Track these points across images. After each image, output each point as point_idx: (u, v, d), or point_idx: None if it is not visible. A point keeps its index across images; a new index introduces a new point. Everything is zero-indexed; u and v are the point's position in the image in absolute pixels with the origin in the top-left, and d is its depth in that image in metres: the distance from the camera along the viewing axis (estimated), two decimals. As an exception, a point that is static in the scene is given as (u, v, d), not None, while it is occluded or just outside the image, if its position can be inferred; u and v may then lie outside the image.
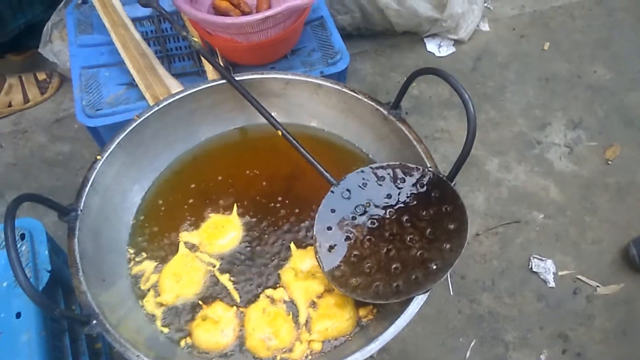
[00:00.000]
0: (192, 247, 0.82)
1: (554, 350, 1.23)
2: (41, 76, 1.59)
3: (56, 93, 1.63)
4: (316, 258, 0.73)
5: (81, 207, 0.74)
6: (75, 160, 1.49)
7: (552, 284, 1.32)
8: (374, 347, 0.63)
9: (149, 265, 0.80)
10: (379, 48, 1.83)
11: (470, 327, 1.26)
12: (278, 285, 0.78)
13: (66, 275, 1.02)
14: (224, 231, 0.82)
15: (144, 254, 0.81)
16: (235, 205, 0.85)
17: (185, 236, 0.83)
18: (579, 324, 1.27)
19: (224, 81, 0.89)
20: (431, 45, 1.83)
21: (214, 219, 0.84)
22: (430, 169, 0.77)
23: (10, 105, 1.55)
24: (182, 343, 0.73)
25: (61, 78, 1.64)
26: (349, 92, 0.88)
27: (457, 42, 1.85)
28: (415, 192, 0.76)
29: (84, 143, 1.52)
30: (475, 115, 0.67)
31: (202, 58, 1.17)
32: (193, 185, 0.89)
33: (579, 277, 1.33)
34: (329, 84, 0.89)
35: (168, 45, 1.24)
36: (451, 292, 1.30)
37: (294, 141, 0.82)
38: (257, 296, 0.77)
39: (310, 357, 0.73)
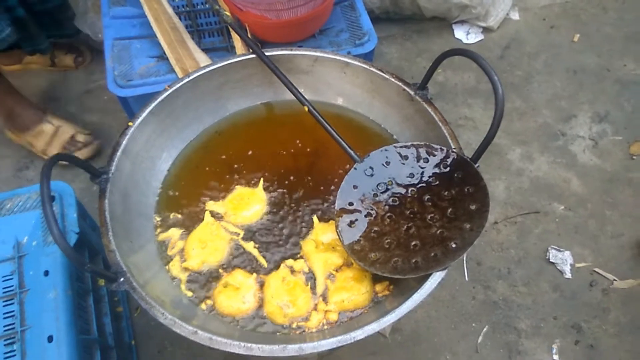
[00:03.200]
0: (217, 216, 0.84)
1: (567, 341, 1.23)
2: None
3: (88, 65, 1.67)
4: (337, 232, 0.75)
5: (112, 170, 0.77)
6: (104, 131, 1.52)
7: (568, 275, 1.31)
8: (390, 318, 0.65)
9: (175, 232, 0.83)
10: (406, 33, 1.82)
11: (483, 313, 1.27)
12: (298, 255, 0.80)
13: (92, 239, 1.05)
14: (250, 203, 0.84)
15: (171, 221, 0.84)
16: (261, 179, 0.87)
17: (211, 205, 0.85)
18: (594, 317, 1.26)
19: (253, 56, 0.91)
20: (459, 32, 1.81)
21: (239, 190, 0.86)
22: (454, 150, 0.78)
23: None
24: (203, 306, 0.76)
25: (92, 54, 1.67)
26: (377, 71, 0.88)
27: (485, 30, 1.83)
28: (438, 172, 0.77)
29: (113, 115, 1.55)
30: (504, 97, 0.67)
31: (232, 33, 1.18)
32: (219, 157, 0.91)
33: (596, 269, 1.33)
34: (357, 63, 0.89)
35: (199, 20, 1.26)
36: (466, 278, 1.31)
37: (319, 117, 0.83)
38: (277, 265, 0.79)
39: (326, 326, 0.75)
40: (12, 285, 0.88)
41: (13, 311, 0.86)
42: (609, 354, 1.22)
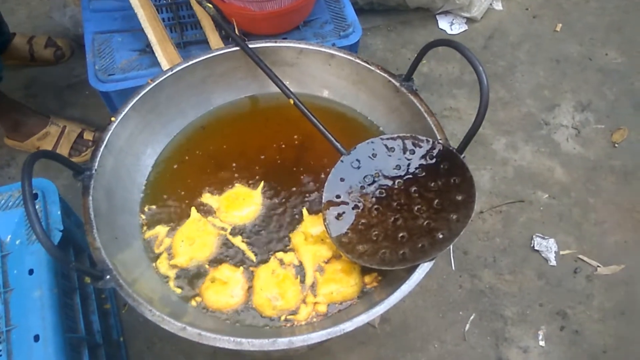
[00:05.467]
0: (207, 211, 0.83)
1: (552, 327, 1.25)
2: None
3: (68, 59, 1.63)
4: (324, 225, 0.75)
5: (95, 167, 0.76)
6: (86, 126, 1.50)
7: (553, 262, 1.33)
8: (379, 309, 0.65)
9: (161, 230, 0.82)
10: (391, 24, 1.81)
11: (470, 301, 1.28)
12: (288, 248, 0.80)
13: (77, 237, 1.04)
14: (244, 204, 0.83)
15: (156, 218, 0.83)
16: (262, 182, 0.86)
17: (207, 197, 0.84)
18: (578, 303, 1.29)
19: (237, 48, 0.90)
20: (443, 23, 1.82)
21: (238, 189, 0.85)
22: (440, 141, 0.78)
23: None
24: (194, 302, 0.75)
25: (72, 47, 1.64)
26: (362, 63, 0.88)
27: (469, 20, 1.83)
28: (424, 163, 0.77)
29: (95, 109, 1.53)
30: (489, 87, 0.67)
31: (205, 26, 1.16)
32: (205, 152, 0.90)
33: (580, 256, 1.35)
34: (342, 54, 0.89)
35: (181, 13, 1.24)
36: (453, 267, 1.32)
37: (305, 110, 0.83)
38: (267, 258, 0.79)
39: (315, 319, 0.75)
40: (-4, 285, 0.87)
41: (-3, 311, 0.85)
42: (594, 339, 1.24)
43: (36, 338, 0.82)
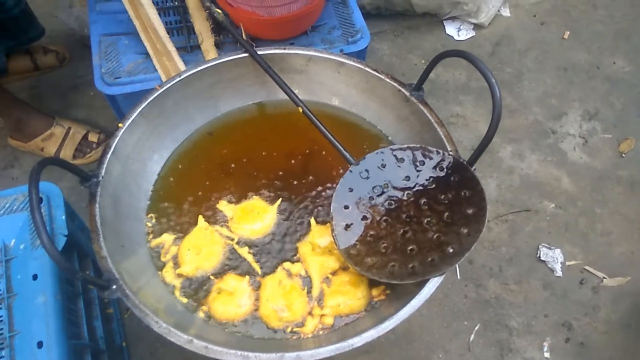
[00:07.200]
0: (214, 220, 0.83)
1: (558, 339, 1.24)
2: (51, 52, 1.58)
3: (70, 61, 1.62)
4: (332, 236, 0.74)
5: (102, 174, 0.75)
6: (91, 127, 1.49)
7: (559, 273, 1.32)
8: (388, 324, 0.64)
9: (168, 238, 0.81)
10: (398, 29, 1.80)
11: (475, 311, 1.27)
12: (296, 259, 0.79)
13: (81, 241, 1.03)
14: (258, 218, 0.82)
15: (163, 226, 0.82)
16: (280, 199, 0.85)
17: (223, 205, 0.84)
18: (584, 314, 1.28)
19: (245, 55, 0.89)
20: (450, 29, 1.81)
21: (255, 201, 0.84)
22: (450, 153, 0.77)
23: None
24: (201, 313, 0.75)
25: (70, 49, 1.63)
26: (372, 71, 0.87)
27: (477, 27, 1.82)
28: (434, 175, 0.77)
29: (99, 111, 1.52)
30: (501, 100, 0.66)
31: (198, 31, 1.15)
32: (212, 158, 0.89)
33: (587, 267, 1.34)
34: (351, 63, 0.88)
35: (187, 16, 1.23)
36: (458, 276, 1.31)
37: (314, 118, 0.82)
38: (274, 268, 0.78)
39: (321, 332, 0.74)
40: (0, 290, 0.86)
41: (1, 316, 0.84)
42: (599, 351, 1.23)
43: (39, 344, 0.81)
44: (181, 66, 1.10)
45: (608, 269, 1.34)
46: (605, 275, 1.33)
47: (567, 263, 1.35)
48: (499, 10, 1.85)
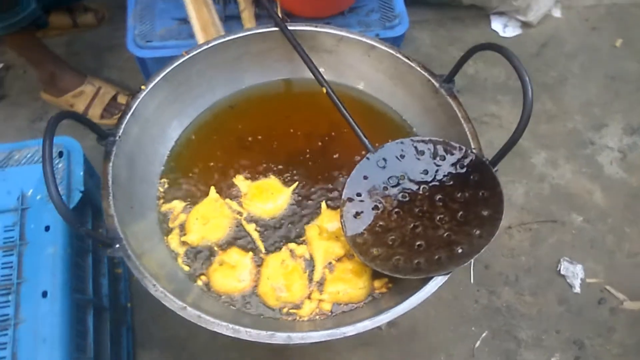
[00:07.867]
0: (226, 193, 0.82)
1: (567, 356, 1.20)
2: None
3: (109, 21, 1.64)
4: (340, 222, 0.72)
5: (120, 134, 0.75)
6: (121, 89, 1.50)
7: (577, 289, 1.27)
8: (383, 318, 0.63)
9: (178, 205, 0.81)
10: (441, 19, 1.75)
11: (484, 318, 1.24)
12: (301, 241, 0.78)
13: (97, 199, 1.05)
14: (271, 198, 0.81)
15: (175, 193, 0.82)
16: (296, 182, 0.83)
17: (239, 180, 0.83)
18: (598, 335, 1.23)
19: (275, 29, 0.87)
20: (496, 24, 1.74)
21: (271, 181, 0.83)
22: (473, 151, 0.74)
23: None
24: (200, 282, 0.74)
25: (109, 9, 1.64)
26: (403, 58, 0.84)
27: (524, 25, 1.75)
28: (453, 171, 0.74)
29: (131, 74, 1.53)
30: (532, 101, 0.63)
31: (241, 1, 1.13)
32: (231, 131, 0.88)
33: (607, 287, 1.28)
34: (383, 47, 0.85)
35: (227, -15, 1.22)
36: (471, 280, 1.28)
37: (337, 100, 0.80)
38: (279, 248, 0.77)
39: (318, 317, 0.73)
40: (13, 237, 0.88)
41: (11, 262, 0.86)
42: (609, 374, 1.19)
43: (44, 294, 0.82)
44: (216, 34, 1.08)
45: (630, 292, 1.28)
46: (627, 298, 1.27)
47: (588, 280, 1.29)
48: (549, 10, 1.77)
